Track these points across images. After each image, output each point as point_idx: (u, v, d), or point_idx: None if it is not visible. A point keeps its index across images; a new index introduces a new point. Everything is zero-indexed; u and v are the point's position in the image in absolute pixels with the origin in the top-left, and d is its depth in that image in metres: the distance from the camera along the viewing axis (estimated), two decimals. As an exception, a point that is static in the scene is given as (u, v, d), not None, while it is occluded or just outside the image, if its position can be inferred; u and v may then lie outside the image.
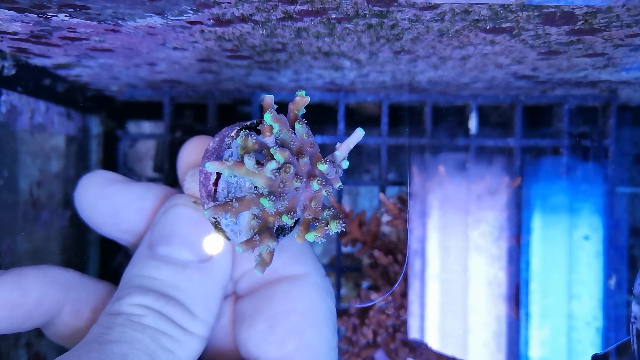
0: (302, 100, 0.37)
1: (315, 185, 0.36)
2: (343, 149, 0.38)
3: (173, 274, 0.37)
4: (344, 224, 0.36)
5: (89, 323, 0.38)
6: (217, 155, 0.37)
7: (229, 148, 0.37)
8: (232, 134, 0.37)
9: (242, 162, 0.35)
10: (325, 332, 0.38)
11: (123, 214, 0.41)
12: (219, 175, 0.37)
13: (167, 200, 0.41)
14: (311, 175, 0.36)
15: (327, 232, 0.36)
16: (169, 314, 0.36)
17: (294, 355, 0.37)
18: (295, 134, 0.36)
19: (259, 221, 0.36)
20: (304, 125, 0.36)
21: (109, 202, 0.41)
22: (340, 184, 0.37)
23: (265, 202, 0.35)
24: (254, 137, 0.35)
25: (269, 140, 0.37)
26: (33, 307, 0.38)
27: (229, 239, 0.38)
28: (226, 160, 0.35)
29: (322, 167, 0.36)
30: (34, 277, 0.38)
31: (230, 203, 0.35)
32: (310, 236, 0.36)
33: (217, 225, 0.37)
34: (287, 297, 0.38)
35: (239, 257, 0.40)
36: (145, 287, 0.36)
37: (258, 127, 0.38)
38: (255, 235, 0.35)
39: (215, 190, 0.37)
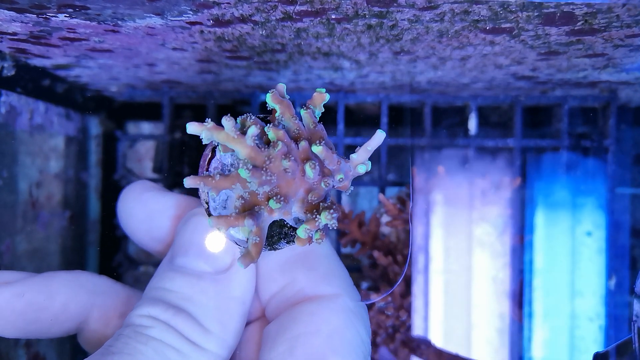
0: (320, 96, 0.35)
1: (308, 169, 0.32)
2: (362, 153, 0.34)
3: (186, 285, 0.36)
4: (336, 220, 0.33)
5: (116, 330, 0.38)
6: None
7: None
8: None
9: (221, 126, 0.32)
10: None
11: (156, 220, 0.41)
12: (213, 155, 0.35)
13: (189, 212, 0.40)
14: (306, 159, 0.33)
15: (317, 224, 0.33)
16: (177, 326, 0.34)
17: None
18: (301, 122, 0.34)
19: (243, 202, 0.33)
20: (311, 112, 0.34)
21: (145, 208, 0.41)
22: (352, 188, 0.35)
23: (243, 172, 0.31)
24: (253, 117, 0.33)
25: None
26: (59, 311, 0.37)
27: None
28: (206, 122, 0.32)
29: (317, 148, 0.32)
30: (62, 281, 0.38)
31: (211, 176, 0.32)
32: (301, 231, 0.32)
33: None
34: (311, 318, 0.35)
35: (265, 279, 0.38)
36: (156, 298, 0.35)
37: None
38: (233, 213, 0.33)
39: (207, 170, 0.35)
